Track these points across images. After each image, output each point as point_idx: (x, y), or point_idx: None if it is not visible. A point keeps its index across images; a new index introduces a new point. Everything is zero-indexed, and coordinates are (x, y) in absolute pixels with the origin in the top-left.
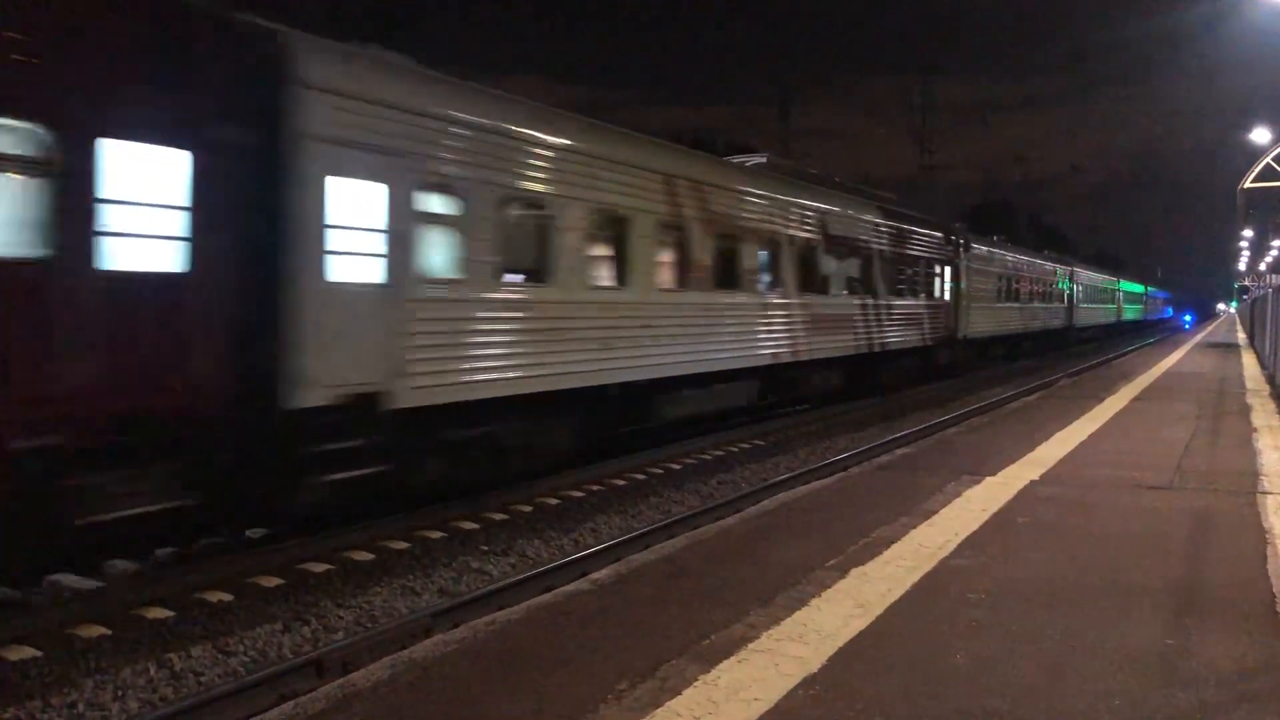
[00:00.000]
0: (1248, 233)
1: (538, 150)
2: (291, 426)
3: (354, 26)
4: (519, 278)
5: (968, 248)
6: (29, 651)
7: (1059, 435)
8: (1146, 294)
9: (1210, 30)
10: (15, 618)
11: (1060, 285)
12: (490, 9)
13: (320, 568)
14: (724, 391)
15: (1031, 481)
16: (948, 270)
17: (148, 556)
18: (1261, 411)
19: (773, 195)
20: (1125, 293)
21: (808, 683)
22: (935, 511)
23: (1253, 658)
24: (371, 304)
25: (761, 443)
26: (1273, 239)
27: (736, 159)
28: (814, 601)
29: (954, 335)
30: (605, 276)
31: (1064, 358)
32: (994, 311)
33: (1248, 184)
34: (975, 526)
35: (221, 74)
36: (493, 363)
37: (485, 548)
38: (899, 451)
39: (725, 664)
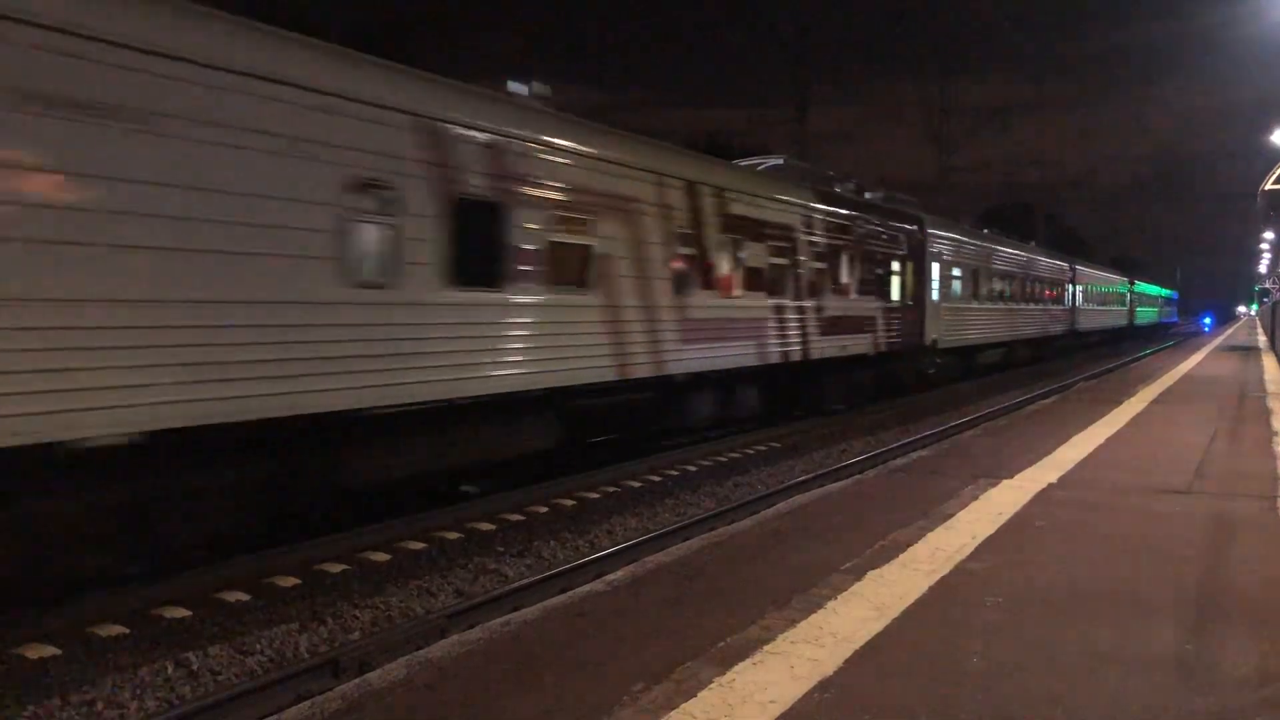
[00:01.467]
0: (1269, 235)
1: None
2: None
3: (369, 33)
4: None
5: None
6: (48, 650)
7: (1077, 438)
8: (1133, 293)
9: (1229, 32)
10: (35, 616)
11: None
12: (503, 11)
13: (337, 568)
14: None
15: (1049, 485)
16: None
17: (164, 556)
18: None
19: None
20: (1088, 291)
21: (823, 686)
22: (952, 515)
23: (1273, 662)
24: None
25: (777, 445)
26: None
27: (751, 160)
28: (830, 604)
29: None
30: None
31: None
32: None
33: (1268, 186)
34: (992, 530)
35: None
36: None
37: (501, 549)
38: (915, 454)
39: (741, 666)
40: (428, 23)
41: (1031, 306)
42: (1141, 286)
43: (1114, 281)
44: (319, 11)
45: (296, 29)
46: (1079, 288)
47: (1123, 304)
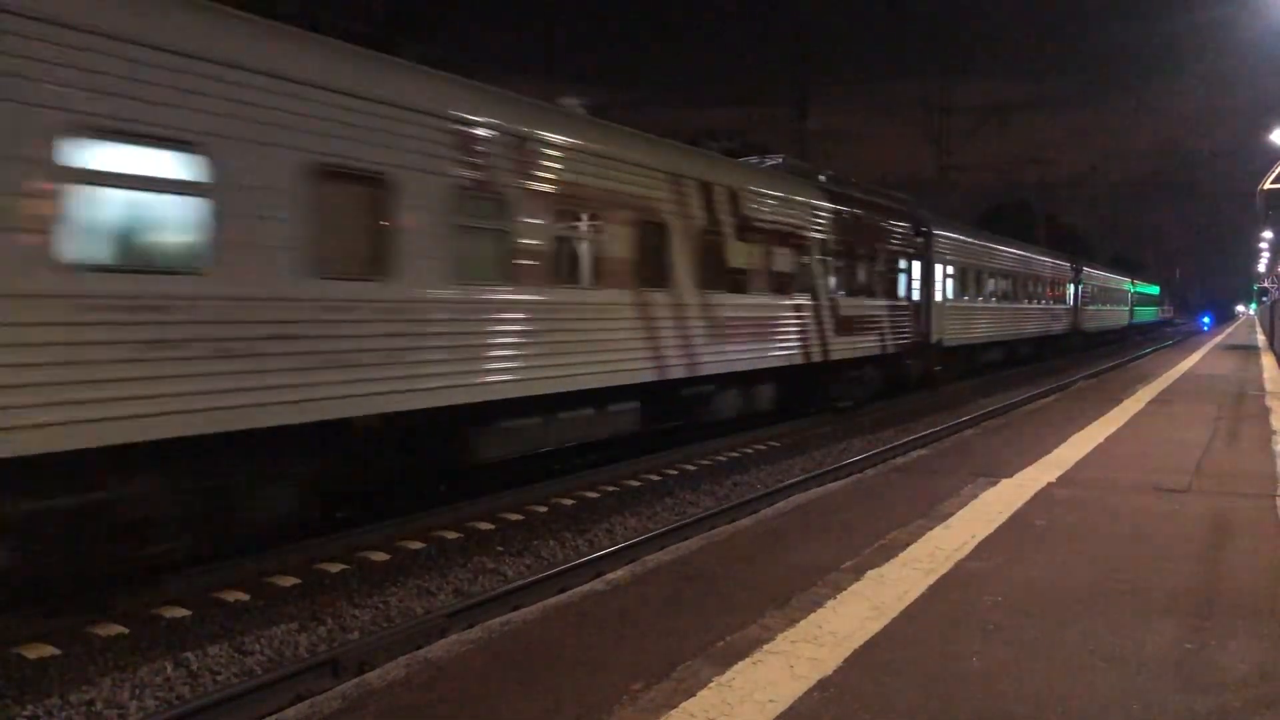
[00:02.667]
0: (1268, 234)
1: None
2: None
3: (371, 29)
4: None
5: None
6: (47, 650)
7: (1076, 437)
8: (1083, 284)
9: (1230, 31)
10: (34, 616)
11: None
12: (504, 9)
13: (337, 568)
14: None
15: (1049, 484)
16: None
17: (166, 555)
18: None
19: None
20: (964, 277)
21: (823, 685)
22: (951, 514)
23: (1273, 662)
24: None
25: (777, 444)
26: None
27: (754, 159)
28: (829, 604)
29: None
30: None
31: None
32: None
33: (1267, 185)
34: (992, 529)
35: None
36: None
37: (501, 548)
38: (915, 453)
39: (740, 665)
40: (430, 20)
41: (750, 302)
42: (1100, 276)
43: (1035, 265)
44: (322, 7)
45: (298, 24)
46: (944, 270)
47: (1060, 300)
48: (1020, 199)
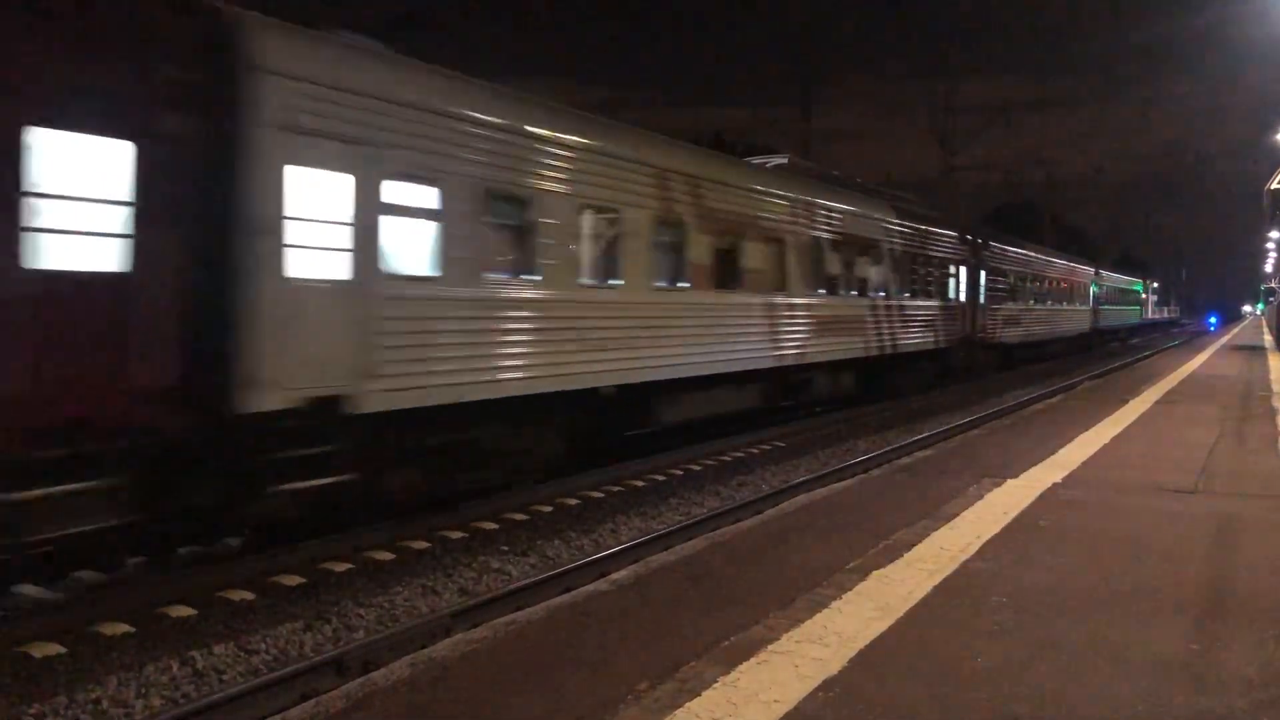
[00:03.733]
0: (1275, 234)
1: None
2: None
3: (374, 29)
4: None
5: None
6: (54, 648)
7: (1082, 437)
8: (985, 270)
9: (1236, 30)
10: (40, 614)
11: None
12: (511, 11)
13: (341, 567)
14: None
15: (1054, 484)
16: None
17: (169, 555)
18: None
19: None
20: (569, 243)
21: (828, 685)
22: (956, 514)
23: (1279, 663)
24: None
25: (782, 444)
26: None
27: (757, 159)
28: (834, 604)
29: None
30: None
31: None
32: None
33: (1274, 185)
34: (997, 529)
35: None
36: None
37: (505, 548)
38: (920, 453)
39: (745, 666)
40: (436, 19)
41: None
42: (1034, 261)
43: (814, 218)
44: (323, 4)
45: (301, 21)
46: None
47: (934, 294)
48: (1026, 199)
